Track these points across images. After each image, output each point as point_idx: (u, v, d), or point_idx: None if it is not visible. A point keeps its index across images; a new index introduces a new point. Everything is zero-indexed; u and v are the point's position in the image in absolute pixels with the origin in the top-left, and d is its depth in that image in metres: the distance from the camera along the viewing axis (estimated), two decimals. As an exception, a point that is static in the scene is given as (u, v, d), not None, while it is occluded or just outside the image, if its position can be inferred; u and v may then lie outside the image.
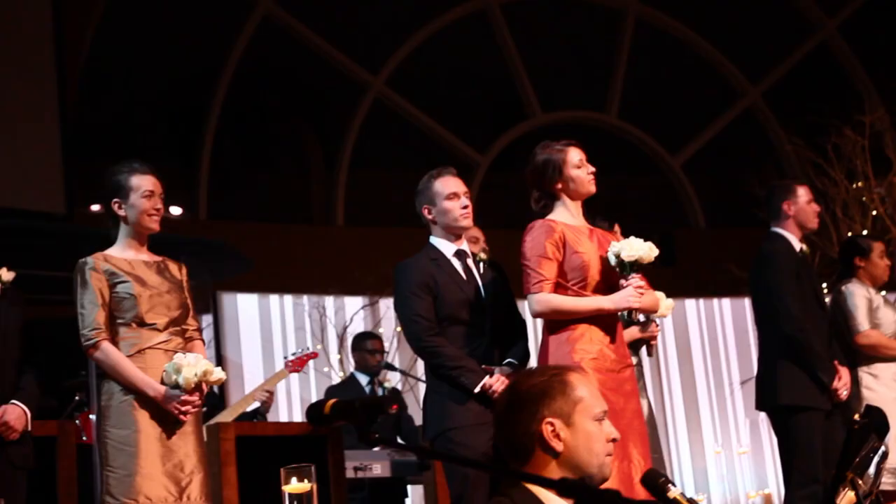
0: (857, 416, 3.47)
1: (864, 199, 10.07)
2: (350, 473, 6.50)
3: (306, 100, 12.50)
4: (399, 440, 7.53)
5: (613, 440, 2.97)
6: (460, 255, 5.20)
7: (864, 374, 6.35)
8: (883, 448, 4.61)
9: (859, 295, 6.42)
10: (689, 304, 11.86)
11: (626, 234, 5.16)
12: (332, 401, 2.68)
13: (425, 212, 5.18)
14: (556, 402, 2.89)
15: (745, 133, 13.23)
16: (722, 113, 13.36)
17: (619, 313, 5.07)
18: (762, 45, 13.36)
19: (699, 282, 11.68)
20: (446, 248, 5.19)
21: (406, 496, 7.63)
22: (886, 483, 6.16)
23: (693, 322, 11.84)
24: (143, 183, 4.72)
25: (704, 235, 12.68)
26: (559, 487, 2.43)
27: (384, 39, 12.58)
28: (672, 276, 11.43)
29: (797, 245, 6.11)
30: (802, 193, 6.14)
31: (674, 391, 11.54)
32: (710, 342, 11.80)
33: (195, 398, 4.58)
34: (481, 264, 5.24)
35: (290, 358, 7.12)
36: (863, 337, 6.33)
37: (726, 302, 11.86)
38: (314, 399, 8.45)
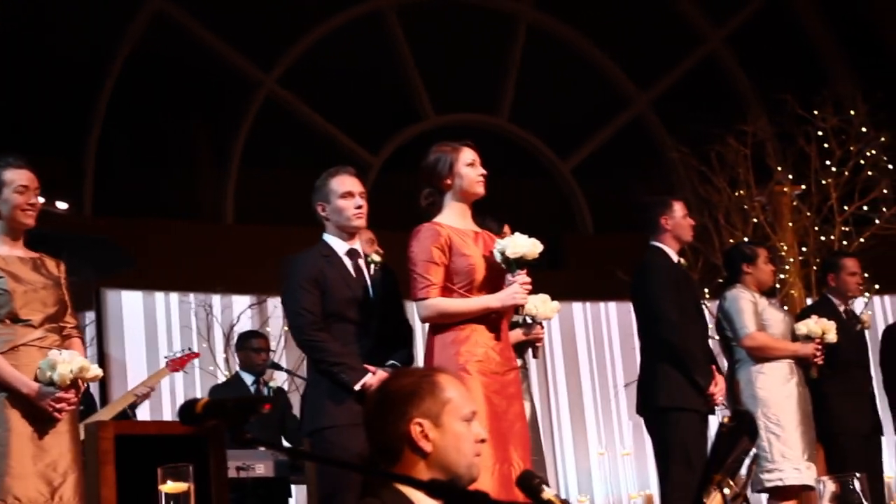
0: (725, 419, 3.54)
1: (745, 206, 10.28)
2: (232, 473, 6.44)
3: (198, 96, 12.36)
4: (284, 440, 7.50)
5: (482, 441, 3.01)
6: (352, 254, 5.22)
7: (756, 374, 6.49)
8: (754, 450, 4.73)
9: (744, 299, 6.58)
10: (577, 307, 11.97)
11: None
12: (203, 400, 2.66)
13: (319, 209, 5.19)
14: (424, 403, 2.92)
15: (634, 140, 13.41)
16: (611, 119, 13.51)
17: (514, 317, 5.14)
18: (651, 53, 13.55)
19: (586, 286, 11.80)
20: (339, 245, 5.20)
21: (290, 496, 7.60)
22: (777, 480, 6.30)
23: (580, 325, 11.96)
24: (16, 177, 4.64)
25: (592, 240, 12.81)
26: (429, 488, 2.44)
27: (277, 37, 12.50)
28: (560, 280, 11.54)
29: (675, 257, 6.32)
30: (678, 208, 6.35)
31: (559, 393, 11.64)
32: (595, 345, 11.93)
33: (70, 395, 4.51)
34: (372, 265, 5.25)
35: (171, 357, 7.06)
36: (749, 339, 6.48)
37: (612, 306, 12.00)
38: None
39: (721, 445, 3.56)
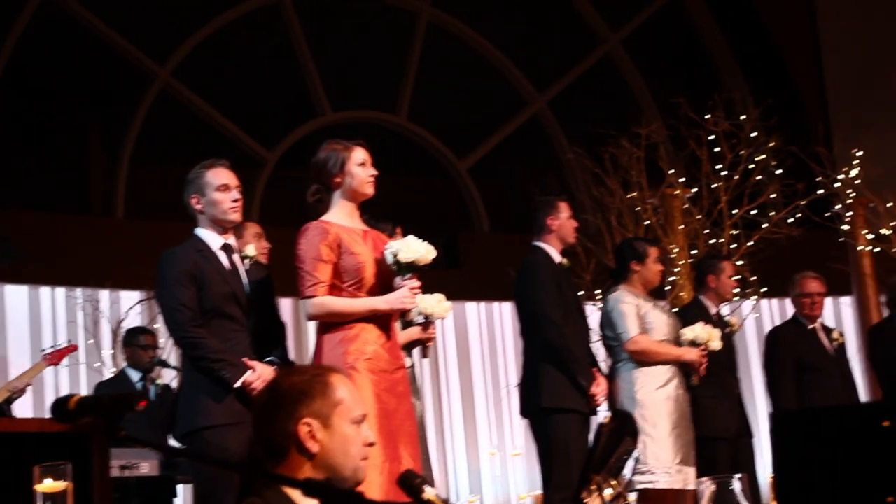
0: (605, 420, 3.56)
1: (637, 208, 10.38)
2: (116, 472, 6.33)
3: (89, 88, 12.13)
4: (172, 439, 7.40)
5: (371, 444, 2.98)
6: (227, 248, 5.14)
7: (636, 376, 6.54)
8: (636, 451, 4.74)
9: (626, 302, 6.60)
10: (471, 307, 12.00)
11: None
12: (77, 396, 2.60)
13: (193, 201, 5.11)
14: (315, 403, 2.88)
15: (531, 140, 13.47)
16: (509, 119, 13.56)
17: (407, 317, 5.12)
18: (549, 54, 13.63)
19: (482, 285, 11.83)
20: (213, 240, 5.12)
21: (175, 496, 7.48)
22: (648, 483, 6.35)
23: (473, 325, 11.98)
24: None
25: (488, 240, 12.84)
26: (304, 487, 2.41)
27: (172, 29, 12.32)
28: (455, 280, 11.55)
29: (557, 258, 6.34)
30: (563, 209, 6.39)
31: (452, 393, 11.65)
32: (489, 345, 11.96)
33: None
34: (247, 261, 5.20)
35: (49, 351, 6.92)
36: (632, 343, 6.51)
37: (507, 306, 12.04)
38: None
39: (599, 446, 3.58)
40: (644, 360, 6.49)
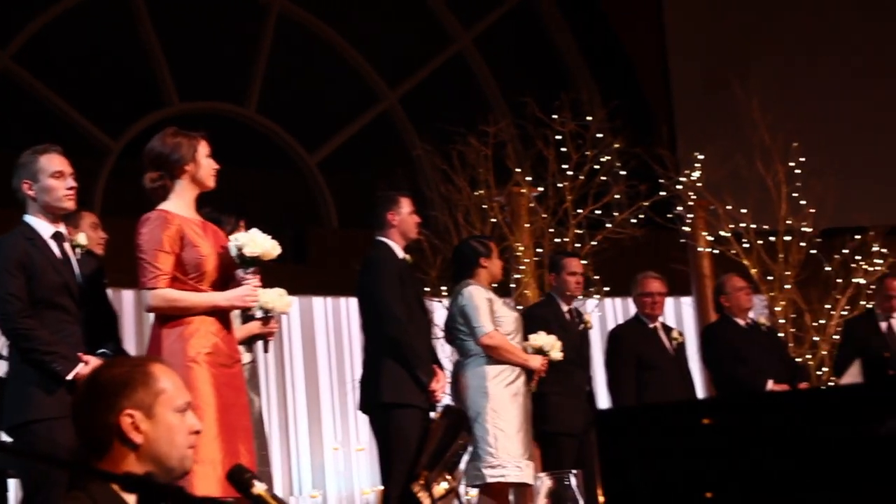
0: (436, 415, 3.57)
1: (484, 206, 10.46)
2: (-58, 467, 6.11)
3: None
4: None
5: (196, 432, 2.95)
6: (58, 237, 5.01)
7: (488, 371, 6.56)
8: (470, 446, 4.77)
9: (480, 297, 6.62)
10: (318, 301, 11.92)
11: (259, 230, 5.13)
12: None
13: (25, 187, 4.96)
14: (137, 394, 2.84)
15: (381, 136, 13.46)
16: (360, 115, 13.53)
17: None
18: (402, 51, 13.64)
19: (329, 280, 11.77)
20: (43, 228, 4.98)
21: (7, 490, 7.26)
22: (500, 476, 6.40)
23: (320, 320, 11.91)
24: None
25: (336, 235, 12.79)
26: (121, 482, 2.36)
27: (13, 12, 11.96)
28: (303, 274, 11.48)
29: (400, 253, 6.33)
30: (405, 204, 6.39)
31: (297, 387, 11.56)
32: (335, 340, 11.91)
33: None
34: (78, 250, 5.07)
35: None
36: (488, 338, 6.53)
37: (354, 301, 11.86)
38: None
39: (431, 441, 3.59)
40: (495, 355, 6.53)
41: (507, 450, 6.38)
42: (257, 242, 4.85)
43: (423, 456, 3.44)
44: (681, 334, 8.06)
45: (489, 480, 6.38)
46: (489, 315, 6.59)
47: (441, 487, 3.91)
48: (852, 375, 6.97)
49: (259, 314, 5.60)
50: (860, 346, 8.25)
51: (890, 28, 13.82)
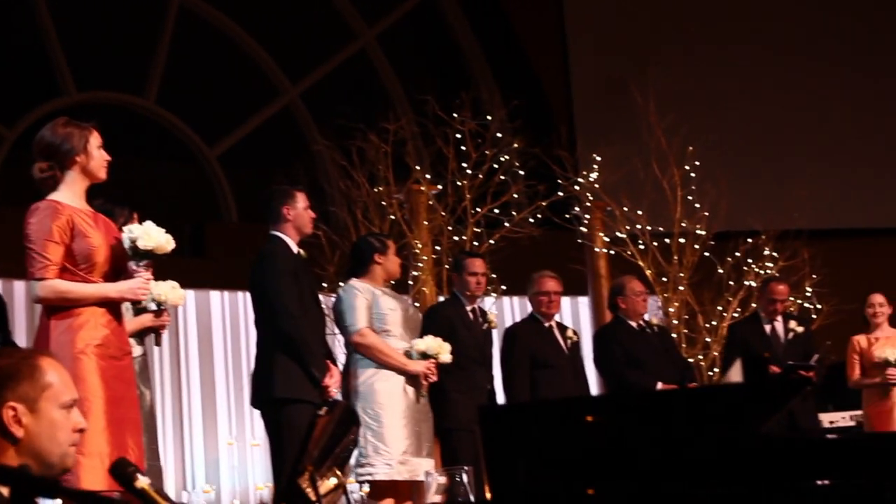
0: (322, 411, 3.58)
1: (383, 203, 10.45)
2: None
3: None
4: None
5: (81, 430, 2.91)
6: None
7: (371, 367, 6.55)
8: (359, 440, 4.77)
9: (359, 295, 6.59)
10: (215, 296, 11.81)
11: (156, 224, 5.10)
12: None
13: None
14: (21, 387, 2.79)
15: (282, 130, 13.40)
16: (261, 109, 13.45)
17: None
18: (304, 46, 13.59)
19: (227, 275, 11.67)
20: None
21: None
22: (367, 475, 6.41)
23: (217, 314, 11.80)
24: None
25: (235, 229, 12.69)
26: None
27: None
28: (201, 268, 11.38)
29: (294, 248, 6.30)
30: (301, 199, 6.36)
31: (192, 381, 11.45)
32: (232, 335, 11.81)
33: None
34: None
35: None
36: (359, 336, 6.51)
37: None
38: None
39: (319, 436, 3.60)
40: (368, 355, 6.49)
41: (375, 448, 6.37)
42: (151, 236, 4.81)
43: (312, 450, 3.45)
44: (576, 333, 8.13)
45: (377, 477, 6.38)
46: (365, 313, 6.55)
47: (330, 483, 3.91)
48: (733, 375, 7.14)
49: (152, 306, 5.55)
50: (744, 348, 8.41)
51: (785, 36, 14.12)
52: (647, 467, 2.43)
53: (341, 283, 9.55)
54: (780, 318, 8.56)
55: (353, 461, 6.31)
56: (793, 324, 8.56)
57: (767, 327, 8.52)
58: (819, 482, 2.31)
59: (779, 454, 2.37)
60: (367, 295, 6.60)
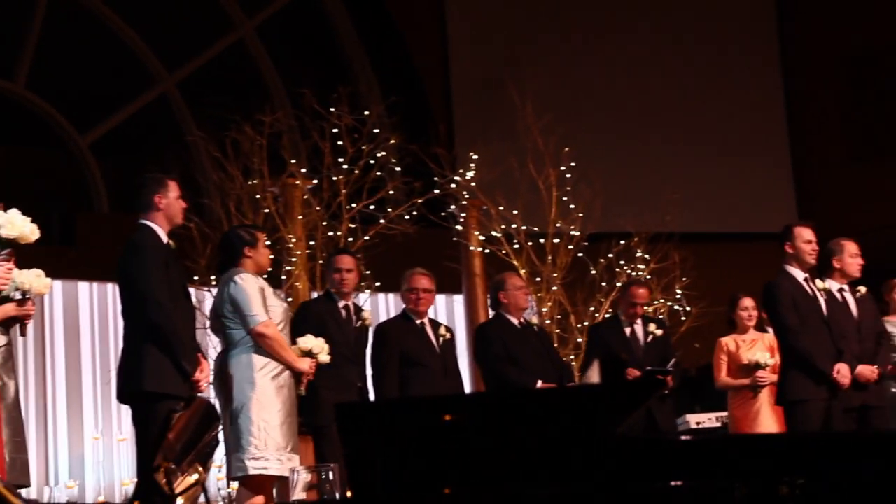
0: (178, 406, 3.52)
1: (258, 196, 10.35)
2: None
3: None
4: None
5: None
6: None
7: (255, 361, 6.46)
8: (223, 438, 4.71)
9: (253, 286, 6.51)
10: (83, 286, 11.58)
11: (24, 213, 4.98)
12: None
13: None
14: None
15: (157, 120, 13.20)
16: (136, 97, 13.23)
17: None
18: (182, 35, 13.40)
19: (97, 265, 11.45)
20: None
21: None
22: (262, 468, 6.34)
23: (85, 305, 11.57)
24: None
25: (107, 219, 12.46)
26: None
27: None
28: (70, 258, 11.16)
29: (164, 237, 6.18)
30: (173, 188, 6.23)
31: (58, 374, 11.22)
32: (100, 326, 11.60)
33: None
34: None
35: None
36: (263, 327, 6.40)
37: (120, 286, 11.71)
38: None
39: (183, 431, 3.55)
40: (266, 347, 6.42)
41: (270, 442, 6.30)
42: (15, 225, 4.70)
43: (174, 445, 3.40)
44: (449, 331, 8.10)
45: (251, 472, 6.28)
46: (262, 304, 6.49)
47: (190, 479, 3.86)
48: (592, 376, 7.21)
49: (16, 295, 5.40)
50: (604, 350, 8.50)
51: (663, 39, 14.34)
52: (503, 467, 2.43)
53: (213, 277, 9.49)
54: (639, 320, 8.66)
55: (246, 453, 6.22)
56: (652, 327, 8.67)
57: (627, 330, 8.61)
58: (673, 483, 2.34)
59: (634, 455, 2.39)
60: (260, 285, 6.51)
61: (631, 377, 8.25)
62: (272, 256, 6.97)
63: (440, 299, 12.79)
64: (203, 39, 13.55)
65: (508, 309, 8.16)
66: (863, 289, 7.54)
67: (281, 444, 6.33)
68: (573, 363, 11.02)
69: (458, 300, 12.32)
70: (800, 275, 7.31)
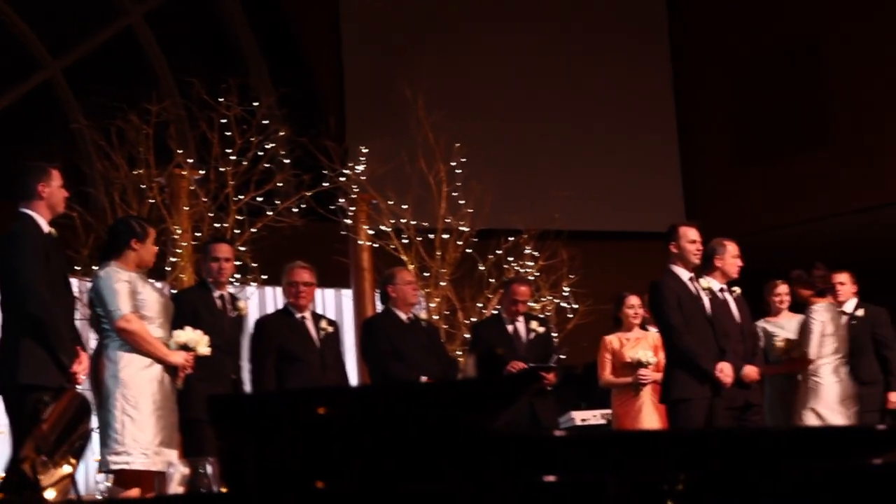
0: (46, 397, 3.44)
1: (143, 186, 10.17)
2: None
3: None
4: None
5: None
6: None
7: (121, 355, 6.35)
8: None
9: (119, 280, 6.39)
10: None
11: None
12: None
13: None
14: None
15: (41, 106, 12.91)
16: (18, 83, 12.93)
17: None
18: (68, 20, 13.13)
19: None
20: None
21: None
22: (124, 463, 6.23)
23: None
24: None
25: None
26: None
27: None
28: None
29: (45, 227, 6.06)
30: (56, 177, 6.13)
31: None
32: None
33: None
34: None
35: None
36: (124, 321, 6.30)
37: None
38: None
39: (56, 423, 3.46)
40: (130, 341, 6.31)
41: (133, 437, 6.20)
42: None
43: (48, 436, 3.31)
44: (332, 324, 8.03)
45: (113, 467, 6.19)
46: (128, 298, 6.36)
47: (62, 471, 3.77)
48: (468, 371, 7.23)
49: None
50: (485, 347, 8.51)
51: (553, 34, 14.45)
52: (376, 461, 2.40)
53: (95, 267, 9.30)
54: (521, 318, 8.70)
55: (108, 449, 6.13)
56: (534, 324, 8.71)
57: (510, 327, 8.64)
58: (546, 478, 2.34)
59: (509, 451, 2.38)
60: (127, 279, 6.38)
61: (515, 370, 8.28)
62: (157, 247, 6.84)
63: (328, 293, 12.73)
64: (90, 25, 13.29)
65: (397, 303, 8.14)
66: (737, 289, 7.68)
67: (149, 439, 6.23)
68: (461, 359, 11.04)
69: (347, 294, 12.26)
70: (685, 274, 7.41)
